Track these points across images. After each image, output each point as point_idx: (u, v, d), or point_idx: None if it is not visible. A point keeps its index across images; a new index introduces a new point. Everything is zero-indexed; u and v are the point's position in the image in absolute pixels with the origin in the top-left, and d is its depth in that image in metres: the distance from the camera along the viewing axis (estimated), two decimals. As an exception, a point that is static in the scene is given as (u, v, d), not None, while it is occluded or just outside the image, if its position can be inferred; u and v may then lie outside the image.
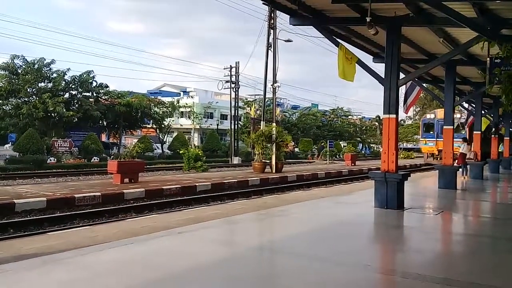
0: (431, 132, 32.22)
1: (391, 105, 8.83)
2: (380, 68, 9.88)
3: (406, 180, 9.01)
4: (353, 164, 30.47)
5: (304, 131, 54.56)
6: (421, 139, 34.45)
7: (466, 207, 11.12)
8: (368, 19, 7.85)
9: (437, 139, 30.51)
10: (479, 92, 15.68)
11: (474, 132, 17.44)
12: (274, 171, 21.83)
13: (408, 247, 6.22)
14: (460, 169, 15.57)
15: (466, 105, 21.37)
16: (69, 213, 10.79)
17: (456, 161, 15.52)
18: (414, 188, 12.04)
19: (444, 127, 13.00)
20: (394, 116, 8.80)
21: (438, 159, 29.91)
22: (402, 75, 9.89)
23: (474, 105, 18.78)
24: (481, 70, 13.27)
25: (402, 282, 4.55)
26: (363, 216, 8.60)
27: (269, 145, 22.57)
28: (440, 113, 29.59)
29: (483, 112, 18.90)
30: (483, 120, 19.70)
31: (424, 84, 16.42)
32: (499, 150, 23.54)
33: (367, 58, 12.24)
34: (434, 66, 10.91)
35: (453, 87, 13.13)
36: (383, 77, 9.03)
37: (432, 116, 32.81)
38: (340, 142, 53.66)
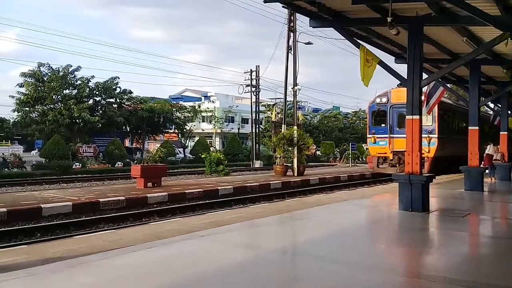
0: (383, 125, 21.95)
1: (414, 106, 8.72)
2: (402, 69, 9.77)
3: (431, 182, 8.84)
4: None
5: (325, 134, 54.25)
6: (368, 135, 23.14)
7: (494, 210, 10.85)
8: (389, 19, 7.77)
9: (392, 135, 21.35)
10: (505, 92, 15.29)
11: (501, 132, 17.00)
12: (296, 174, 21.74)
13: (434, 250, 6.09)
14: (487, 171, 15.21)
15: (492, 105, 20.87)
16: (94, 217, 10.96)
17: (483, 162, 15.18)
18: (440, 191, 11.81)
19: (470, 127, 12.72)
20: (417, 117, 8.68)
21: (397, 167, 20.69)
22: (425, 76, 9.74)
23: (500, 105, 18.33)
24: (507, 69, 12.96)
25: (428, 286, 4.46)
26: (387, 219, 8.48)
27: (290, 148, 22.50)
28: (396, 94, 21.08)
29: (509, 112, 18.43)
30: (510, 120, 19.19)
31: (448, 85, 16.13)
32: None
33: (388, 59, 12.13)
34: (458, 66, 10.69)
35: (478, 87, 12.85)
36: (406, 78, 8.91)
37: (384, 99, 21.97)
38: (363, 145, 53.15)
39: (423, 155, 18.37)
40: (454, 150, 20.75)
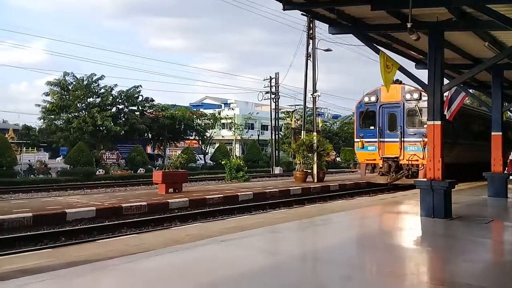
0: (371, 128, 19.54)
1: (435, 111, 8.63)
2: (423, 74, 9.70)
3: (454, 188, 8.74)
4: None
5: (345, 140, 53.90)
6: (355, 139, 20.49)
7: (518, 216, 10.64)
8: (409, 25, 7.75)
9: (382, 140, 18.96)
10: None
11: (526, 138, 16.67)
12: (315, 180, 21.66)
13: (457, 257, 6.02)
14: (511, 177, 14.90)
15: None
16: (117, 222, 11.14)
17: (507, 168, 14.89)
18: (462, 197, 11.63)
19: (493, 133, 12.51)
20: (439, 122, 8.59)
21: (388, 175, 18.62)
22: (446, 81, 9.65)
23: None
24: (531, 73, 12.74)
25: (449, 292, 4.43)
26: (409, 225, 8.41)
27: (310, 154, 22.45)
28: (386, 92, 17.65)
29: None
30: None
31: (470, 90, 15.92)
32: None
33: (409, 65, 12.07)
34: (479, 71, 10.56)
35: (500, 92, 12.66)
36: (427, 83, 8.86)
37: (373, 98, 19.39)
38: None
39: (417, 162, 17.77)
40: (457, 157, 18.23)
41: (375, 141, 19.11)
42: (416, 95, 17.94)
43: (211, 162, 39.60)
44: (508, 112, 20.68)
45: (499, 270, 5.42)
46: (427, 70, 8.93)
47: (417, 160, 17.91)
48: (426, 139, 16.39)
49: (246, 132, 56.21)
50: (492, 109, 12.93)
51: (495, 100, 12.77)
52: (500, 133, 12.34)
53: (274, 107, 41.02)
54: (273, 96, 40.69)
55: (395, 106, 18.76)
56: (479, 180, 16.02)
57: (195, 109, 48.65)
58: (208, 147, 44.54)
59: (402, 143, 18.34)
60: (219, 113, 45.76)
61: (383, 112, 19.20)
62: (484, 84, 15.40)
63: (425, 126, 16.29)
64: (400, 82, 18.60)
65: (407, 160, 18.19)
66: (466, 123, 21.36)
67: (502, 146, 12.38)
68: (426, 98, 15.99)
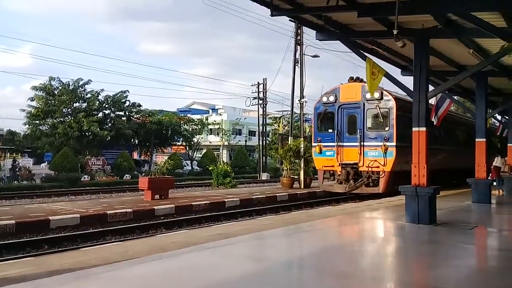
0: (330, 131, 17.96)
1: (420, 118, 8.71)
2: (408, 81, 9.79)
3: (438, 194, 8.80)
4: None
5: (333, 146, 54.03)
6: (313, 144, 18.96)
7: (502, 222, 10.75)
8: (395, 31, 7.82)
9: (341, 144, 17.46)
10: (512, 103, 15.27)
11: (509, 144, 16.90)
12: (302, 186, 21.68)
13: (441, 263, 6.04)
14: (494, 183, 15.09)
15: (499, 117, 20.76)
16: (102, 229, 10.99)
17: (490, 174, 15.06)
18: (446, 203, 11.72)
19: (477, 139, 12.65)
20: (424, 129, 8.67)
21: (347, 184, 17.06)
22: (431, 88, 9.75)
23: (507, 117, 18.24)
24: (514, 80, 12.95)
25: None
26: (394, 231, 8.43)
27: (297, 160, 22.48)
28: (345, 91, 17.52)
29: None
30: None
31: (454, 97, 16.11)
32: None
33: (395, 72, 12.18)
34: (464, 78, 10.71)
35: (484, 99, 12.83)
36: (412, 90, 8.94)
37: (332, 98, 17.77)
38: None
39: (377, 168, 16.23)
40: (440, 163, 17.40)
41: (334, 146, 17.57)
42: (377, 95, 16.24)
43: (198, 168, 39.48)
44: (492, 119, 20.93)
45: (482, 276, 5.46)
46: (412, 77, 9.02)
47: (378, 167, 16.35)
48: (387, 144, 16.17)
49: (234, 137, 56.16)
50: (476, 115, 13.10)
51: (479, 107, 12.94)
52: (484, 140, 12.49)
53: (261, 113, 41.11)
54: (260, 102, 40.79)
55: (355, 107, 17.25)
56: (461, 186, 16.17)
57: (182, 115, 48.50)
58: (195, 153, 44.39)
59: (362, 147, 16.79)
60: (207, 119, 45.70)
61: (342, 114, 17.64)
62: (468, 90, 15.61)
63: (386, 129, 16.46)
64: (361, 80, 17.14)
65: (367, 166, 16.63)
66: (450, 130, 21.11)
67: (486, 152, 12.52)
68: (388, 97, 16.27)
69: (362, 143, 16.79)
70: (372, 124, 16.97)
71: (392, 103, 16.40)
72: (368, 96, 16.38)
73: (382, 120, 16.67)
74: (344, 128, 17.52)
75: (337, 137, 17.46)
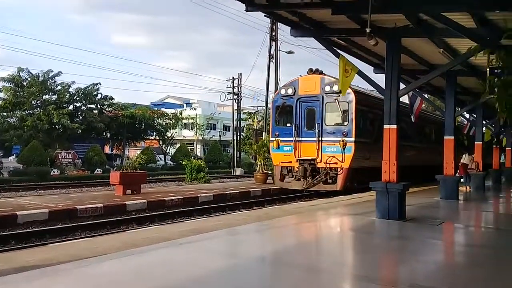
0: (288, 125, 17.30)
1: (391, 115, 8.86)
2: (381, 78, 9.94)
3: (408, 190, 8.99)
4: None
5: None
6: (271, 138, 18.21)
7: (468, 218, 11.08)
8: (367, 30, 7.91)
9: (299, 139, 16.84)
10: (480, 102, 15.69)
11: (476, 142, 17.39)
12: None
13: (410, 258, 6.18)
14: (462, 180, 15.52)
15: (467, 116, 21.32)
16: (71, 224, 10.79)
17: (458, 171, 15.47)
18: (415, 199, 11.99)
19: (445, 137, 12.96)
20: (394, 126, 8.82)
21: (304, 181, 16.60)
22: (402, 86, 9.93)
23: (475, 115, 18.76)
24: (482, 80, 13.29)
25: (402, 293, 4.53)
26: (364, 227, 8.56)
27: (271, 156, 22.53)
28: (304, 83, 16.89)
29: (484, 122, 18.86)
30: (485, 130, 19.65)
31: (425, 95, 16.45)
32: (501, 161, 23.38)
33: (368, 69, 12.36)
34: (434, 77, 10.94)
35: (453, 98, 13.15)
36: (384, 87, 9.08)
37: (290, 91, 17.13)
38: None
39: (336, 165, 15.66)
40: (409, 159, 16.88)
41: (292, 141, 16.82)
42: (336, 87, 15.39)
43: (172, 163, 39.15)
44: (461, 117, 21.48)
45: (449, 271, 5.60)
46: (384, 75, 9.16)
47: (336, 163, 15.74)
48: (345, 139, 15.58)
49: (208, 132, 55.92)
50: (445, 113, 13.41)
51: (448, 105, 13.25)
52: (453, 137, 12.81)
53: (236, 108, 41.04)
54: (235, 97, 40.70)
55: (314, 100, 16.59)
56: (430, 183, 16.52)
57: (156, 108, 47.94)
58: (169, 147, 44.00)
59: (320, 143, 16.18)
60: (181, 113, 45.29)
61: (301, 107, 16.93)
62: (438, 89, 15.97)
63: (345, 123, 15.85)
64: (320, 72, 16.68)
65: (324, 162, 16.02)
66: (419, 127, 21.28)
67: (454, 149, 12.84)
68: (347, 91, 14.00)
69: (320, 138, 16.25)
70: (331, 118, 16.35)
71: (352, 97, 15.77)
72: (327, 89, 16.02)
73: (341, 114, 16.11)
74: (302, 122, 16.91)
75: (295, 132, 16.81)
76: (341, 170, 15.79)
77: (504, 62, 6.41)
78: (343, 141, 15.53)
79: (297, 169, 16.72)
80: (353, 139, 15.74)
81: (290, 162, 16.95)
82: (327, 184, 16.22)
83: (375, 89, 10.04)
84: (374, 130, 16.59)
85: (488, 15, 8.59)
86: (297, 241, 7.22)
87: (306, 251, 6.38)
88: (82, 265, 5.20)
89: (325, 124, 16.30)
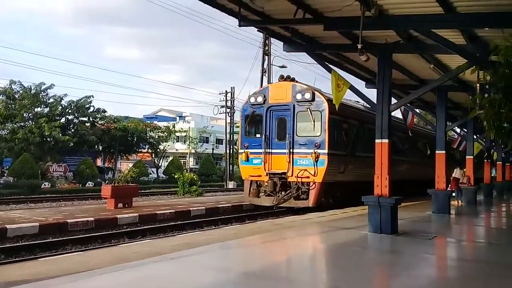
0: (258, 136, 16.15)
1: (383, 130, 8.93)
2: (373, 93, 10.04)
3: (400, 204, 9.03)
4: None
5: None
6: (240, 150, 17.06)
7: (460, 232, 11.12)
8: (359, 46, 8.03)
9: (269, 151, 15.58)
10: (470, 117, 15.86)
11: (467, 156, 17.52)
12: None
13: (401, 273, 6.19)
14: (454, 194, 15.60)
15: (458, 130, 21.51)
16: (61, 238, 10.67)
17: (449, 185, 15.55)
18: (407, 213, 12.02)
19: (437, 152, 13.06)
20: (386, 140, 8.89)
21: (274, 196, 15.26)
22: (394, 100, 10.04)
23: (466, 130, 18.94)
24: (472, 96, 13.47)
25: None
26: (357, 241, 8.57)
27: (264, 169, 22.49)
28: (274, 91, 15.78)
29: (475, 137, 19.03)
30: (475, 145, 19.80)
31: (416, 110, 16.62)
32: (492, 175, 23.54)
33: (359, 84, 12.47)
34: (425, 92, 11.07)
35: (444, 113, 13.30)
36: (375, 102, 9.17)
37: (260, 99, 15.79)
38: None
39: (308, 179, 14.48)
40: (359, 174, 15.80)
41: (261, 153, 15.54)
42: (308, 95, 14.67)
43: (164, 176, 38.96)
44: (452, 131, 21.67)
45: (441, 285, 5.62)
46: (376, 90, 9.26)
47: (308, 177, 14.59)
48: (319, 151, 14.40)
49: (201, 145, 55.83)
50: (436, 128, 13.54)
51: (439, 120, 13.39)
52: (444, 152, 12.92)
53: (229, 121, 41.11)
54: (228, 110, 40.81)
55: (285, 109, 15.43)
56: (422, 197, 16.58)
57: (149, 121, 47.88)
58: (161, 161, 43.84)
59: (291, 155, 14.98)
60: (174, 126, 45.25)
61: (272, 116, 15.66)
62: (429, 104, 16.15)
63: (318, 134, 14.60)
64: (292, 79, 15.66)
65: (296, 176, 14.84)
66: (411, 141, 21.28)
67: (445, 164, 12.94)
68: (320, 99, 14.61)
69: (291, 150, 15.03)
70: (303, 129, 15.11)
71: (325, 105, 14.55)
72: (298, 97, 14.93)
73: (313, 124, 14.75)
74: (273, 133, 15.60)
75: (265, 143, 15.50)
76: (314, 185, 14.69)
77: (492, 79, 6.51)
78: (315, 153, 14.42)
79: (266, 184, 15.49)
80: (326, 151, 14.59)
81: (260, 176, 15.62)
82: (298, 200, 15.03)
83: (354, 100, 10.13)
84: (349, 141, 15.86)
85: (477, 32, 8.75)
86: (288, 255, 7.20)
87: (297, 266, 6.36)
88: (73, 279, 5.16)
89: (297, 135, 15.15)
